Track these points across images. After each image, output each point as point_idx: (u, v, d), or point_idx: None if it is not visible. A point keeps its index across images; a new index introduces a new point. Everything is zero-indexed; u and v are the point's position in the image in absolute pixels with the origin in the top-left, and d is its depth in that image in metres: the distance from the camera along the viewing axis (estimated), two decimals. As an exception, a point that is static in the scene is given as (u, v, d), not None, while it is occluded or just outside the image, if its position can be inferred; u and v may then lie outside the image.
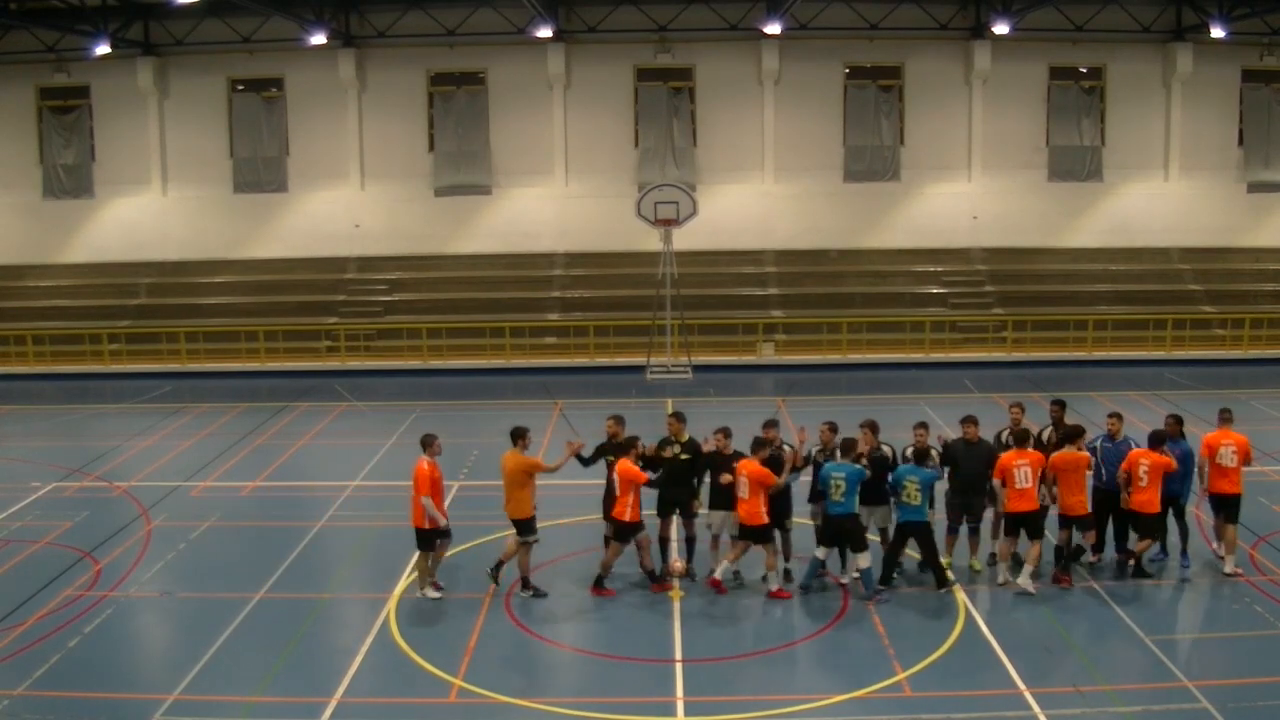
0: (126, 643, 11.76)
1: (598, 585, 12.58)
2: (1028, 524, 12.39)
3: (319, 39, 29.14)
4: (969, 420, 13.03)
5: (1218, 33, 27.65)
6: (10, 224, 33.15)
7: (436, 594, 12.46)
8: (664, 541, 13.01)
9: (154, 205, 32.91)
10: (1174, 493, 12.89)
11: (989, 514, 13.11)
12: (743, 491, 12.15)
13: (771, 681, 10.44)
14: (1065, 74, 32.37)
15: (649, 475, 12.42)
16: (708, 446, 12.71)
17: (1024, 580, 12.29)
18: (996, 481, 12.59)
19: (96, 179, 32.98)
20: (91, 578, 13.25)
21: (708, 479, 12.75)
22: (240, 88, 32.70)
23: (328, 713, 9.79)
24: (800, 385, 25.85)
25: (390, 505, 16.39)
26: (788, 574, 12.81)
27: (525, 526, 12.40)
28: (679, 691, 10.19)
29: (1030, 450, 12.48)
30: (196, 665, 10.72)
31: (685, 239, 28.57)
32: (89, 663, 10.91)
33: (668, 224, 27.51)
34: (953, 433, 13.85)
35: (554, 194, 32.66)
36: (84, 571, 13.47)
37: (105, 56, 29.25)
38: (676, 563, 12.95)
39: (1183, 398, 22.89)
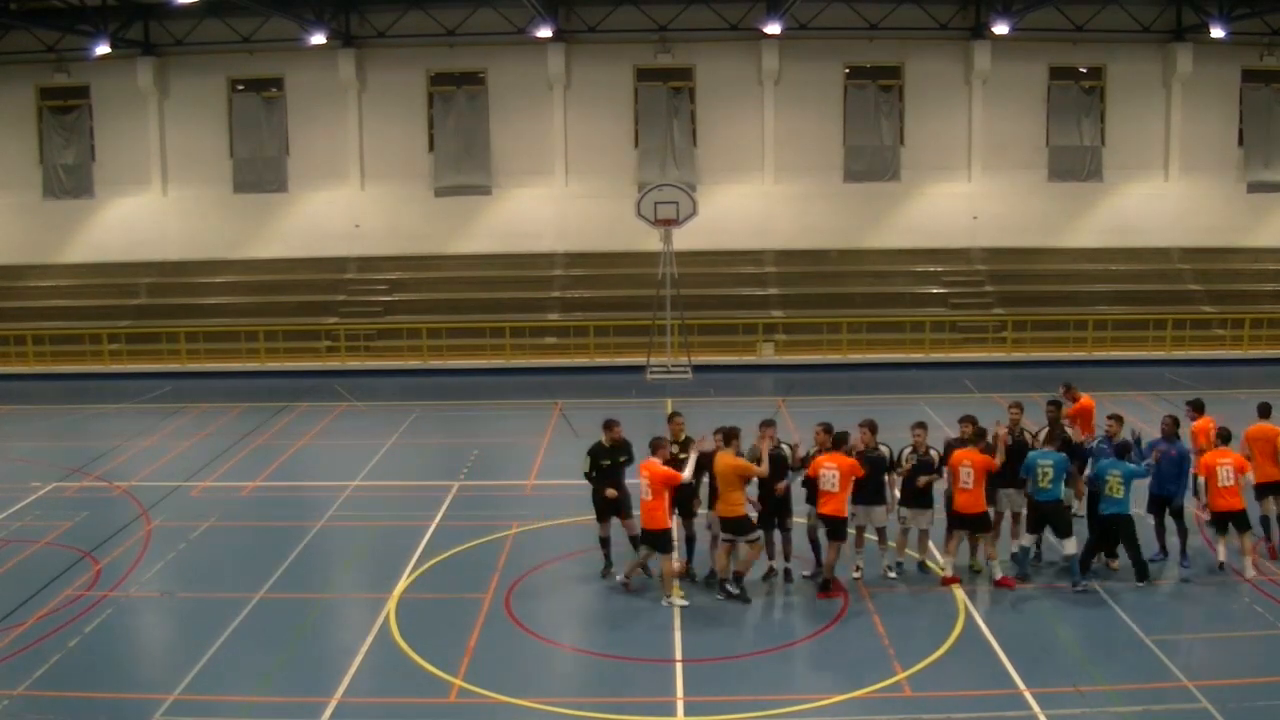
0: (126, 643, 11.76)
1: (825, 589, 12.41)
2: (1236, 520, 12.61)
3: (319, 39, 29.14)
4: (967, 420, 13.02)
5: (1218, 33, 27.65)
6: (10, 224, 33.14)
7: (684, 600, 12.17)
8: (664, 541, 12.98)
9: (154, 205, 32.90)
10: (1169, 493, 12.90)
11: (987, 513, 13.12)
12: (645, 494, 12.09)
13: (771, 681, 10.43)
14: (1065, 74, 32.35)
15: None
16: (702, 445, 12.63)
17: (1250, 572, 12.53)
18: (1202, 479, 12.82)
19: (96, 179, 32.97)
20: (91, 578, 13.24)
21: (706, 478, 12.74)
22: (240, 88, 32.70)
23: (328, 713, 9.79)
24: (800, 385, 25.86)
25: (390, 505, 16.41)
26: (787, 574, 12.80)
27: (737, 526, 12.17)
28: (679, 691, 10.19)
29: (1231, 450, 12.66)
30: (196, 665, 10.71)
31: (685, 239, 28.56)
32: (89, 663, 10.90)
33: (668, 224, 27.50)
34: (951, 433, 13.84)
35: (554, 194, 32.65)
36: (84, 571, 13.46)
37: (105, 56, 29.24)
38: (676, 563, 12.92)
39: (1183, 398, 22.81)
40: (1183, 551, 13.06)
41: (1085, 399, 14.97)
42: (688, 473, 12.21)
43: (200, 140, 32.62)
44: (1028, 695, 9.88)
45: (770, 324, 30.28)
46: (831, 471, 12.17)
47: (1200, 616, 12.07)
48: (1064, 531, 12.45)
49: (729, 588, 12.24)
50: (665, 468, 12.12)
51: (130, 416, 23.99)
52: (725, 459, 12.13)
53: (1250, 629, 11.39)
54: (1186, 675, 10.17)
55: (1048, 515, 12.51)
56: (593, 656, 11.16)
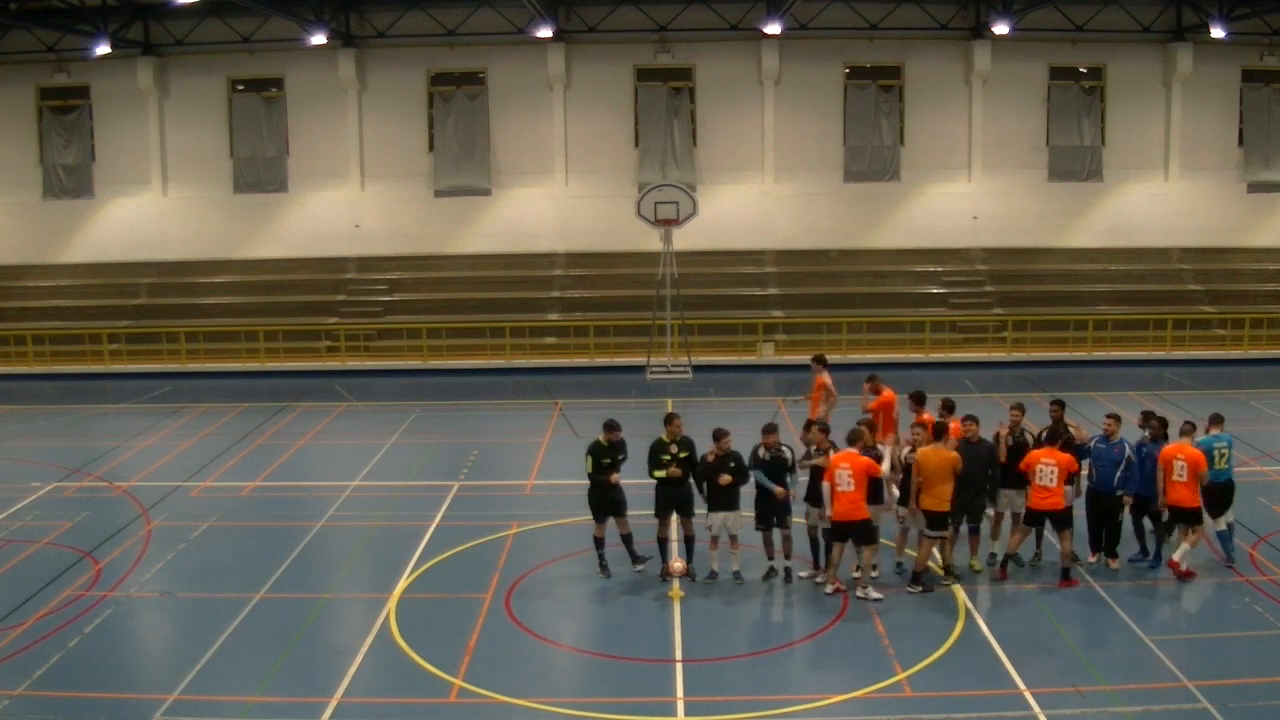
0: (126, 643, 11.77)
1: (1065, 577, 12.58)
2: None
3: (319, 39, 29.11)
4: (969, 420, 13.02)
5: (1218, 33, 27.61)
6: (10, 224, 33.13)
7: (879, 595, 12.23)
8: (663, 542, 13.00)
9: (154, 205, 32.89)
10: (1151, 495, 12.86)
11: (989, 513, 13.12)
12: (847, 485, 12.03)
13: (771, 681, 10.44)
14: (1065, 74, 32.34)
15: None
16: (725, 446, 12.65)
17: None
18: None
19: (96, 179, 32.96)
20: (91, 578, 13.25)
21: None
22: (240, 88, 32.69)
23: (328, 713, 9.79)
24: (800, 385, 25.79)
25: (390, 505, 16.41)
26: (787, 573, 12.78)
27: (941, 521, 12.31)
28: (679, 691, 10.19)
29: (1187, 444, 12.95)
30: (196, 665, 10.72)
31: (685, 239, 28.56)
32: (89, 663, 10.91)
33: (668, 224, 27.48)
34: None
35: (554, 194, 32.65)
36: (84, 571, 13.47)
37: (105, 56, 29.23)
38: (676, 563, 12.95)
39: (1183, 398, 22.89)
40: (1157, 553, 13.10)
41: (888, 392, 15.17)
42: (886, 465, 12.33)
43: (200, 140, 32.60)
44: (1028, 695, 9.88)
45: (770, 324, 30.27)
46: (1050, 467, 12.25)
47: (1200, 616, 12.09)
48: (1218, 512, 12.79)
49: (926, 580, 12.46)
50: (867, 458, 12.16)
51: (130, 416, 23.98)
52: (938, 453, 12.27)
53: (1250, 629, 11.39)
54: (1186, 675, 10.17)
55: (1223, 492, 12.76)
56: (593, 656, 11.17)
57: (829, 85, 32.33)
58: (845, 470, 12.00)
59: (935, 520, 12.33)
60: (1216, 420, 13.22)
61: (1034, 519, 12.70)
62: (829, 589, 12.34)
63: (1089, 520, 13.15)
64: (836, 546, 12.29)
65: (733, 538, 12.69)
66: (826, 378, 16.83)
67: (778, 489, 12.44)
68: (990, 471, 12.78)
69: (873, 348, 29.15)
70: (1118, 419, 13.24)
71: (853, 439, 12.32)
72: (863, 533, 12.16)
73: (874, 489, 12.64)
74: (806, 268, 32.21)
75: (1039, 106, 32.42)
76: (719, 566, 12.85)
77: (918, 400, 14.04)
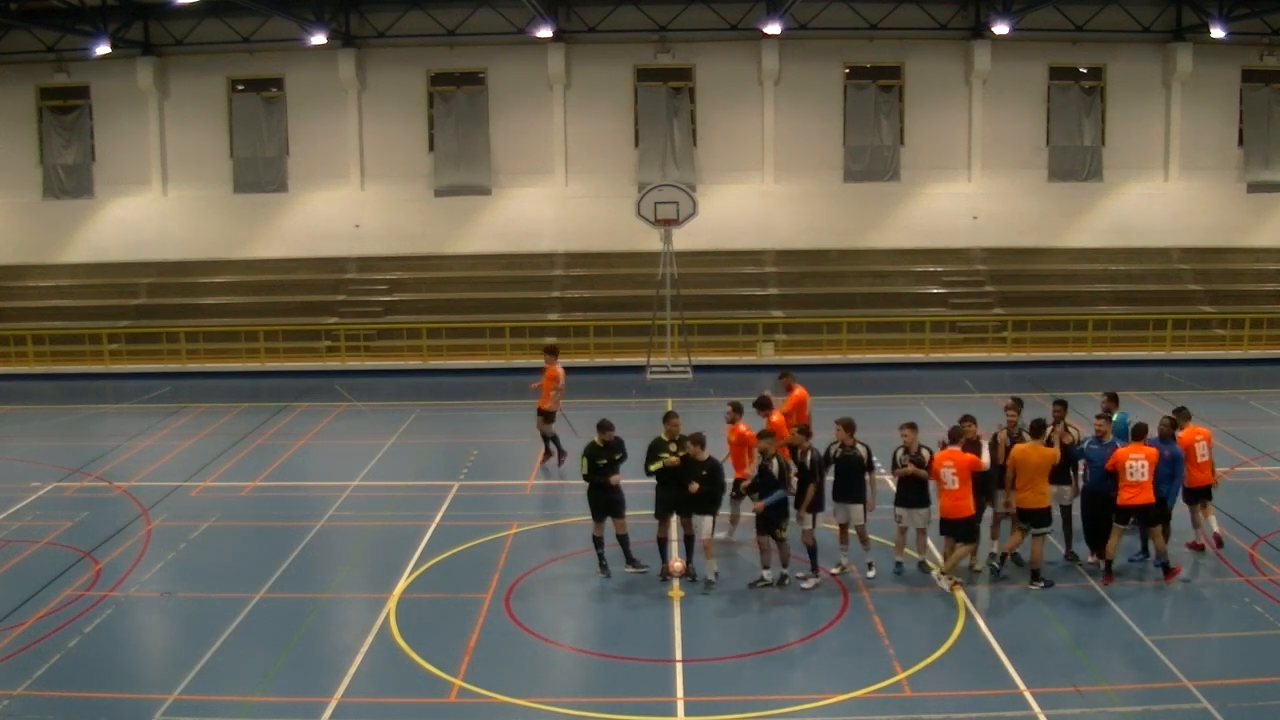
0: (126, 643, 11.76)
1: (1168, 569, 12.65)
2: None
3: (319, 39, 29.11)
4: (966, 419, 13.00)
5: (1218, 33, 27.60)
6: (10, 224, 33.13)
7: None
8: (662, 542, 13.01)
9: (154, 205, 32.90)
10: (1160, 495, 12.85)
11: (988, 513, 13.10)
12: (950, 482, 12.11)
13: (771, 681, 10.44)
14: (1065, 74, 32.35)
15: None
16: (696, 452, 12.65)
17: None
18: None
19: (96, 179, 32.96)
20: (91, 578, 13.24)
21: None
22: (240, 88, 32.69)
23: (328, 713, 9.79)
24: (801, 384, 25.78)
25: (390, 505, 16.41)
26: (783, 579, 12.75)
27: (1044, 517, 12.36)
28: (679, 691, 10.19)
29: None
30: (196, 665, 10.72)
31: (685, 239, 28.56)
32: (89, 663, 10.91)
33: (668, 224, 27.49)
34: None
35: (554, 194, 32.65)
36: (84, 571, 13.46)
37: (105, 56, 29.21)
38: (676, 563, 12.97)
39: (1183, 398, 22.85)
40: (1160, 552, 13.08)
41: (799, 390, 15.25)
42: (986, 458, 12.40)
43: (200, 140, 32.60)
44: (1028, 695, 9.88)
45: (770, 324, 30.27)
46: (1140, 462, 12.28)
47: (1200, 616, 12.08)
48: None
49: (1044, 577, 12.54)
50: (969, 454, 12.21)
51: (130, 416, 23.98)
52: (1038, 450, 12.30)
53: (1250, 629, 11.39)
54: (1186, 675, 10.17)
55: None
56: (593, 656, 11.17)
57: (829, 85, 32.33)
58: (950, 469, 12.10)
59: (1039, 517, 12.33)
60: (1113, 398, 13.97)
61: (1124, 516, 12.50)
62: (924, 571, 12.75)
63: (1085, 521, 13.13)
64: (947, 542, 12.49)
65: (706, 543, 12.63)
66: (558, 369, 18.06)
67: (756, 505, 12.41)
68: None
69: (873, 348, 29.20)
70: (1109, 418, 13.19)
71: (954, 436, 12.36)
72: (965, 530, 12.28)
73: (861, 487, 12.74)
74: (806, 268, 32.21)
75: (1039, 106, 32.42)
76: (718, 567, 12.84)
77: (760, 405, 14.07)
